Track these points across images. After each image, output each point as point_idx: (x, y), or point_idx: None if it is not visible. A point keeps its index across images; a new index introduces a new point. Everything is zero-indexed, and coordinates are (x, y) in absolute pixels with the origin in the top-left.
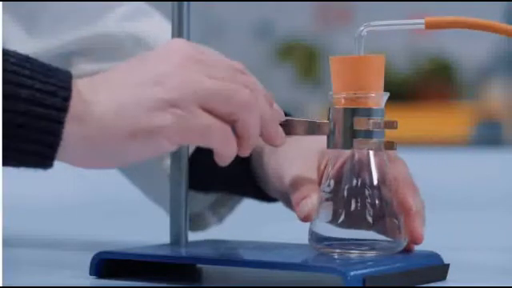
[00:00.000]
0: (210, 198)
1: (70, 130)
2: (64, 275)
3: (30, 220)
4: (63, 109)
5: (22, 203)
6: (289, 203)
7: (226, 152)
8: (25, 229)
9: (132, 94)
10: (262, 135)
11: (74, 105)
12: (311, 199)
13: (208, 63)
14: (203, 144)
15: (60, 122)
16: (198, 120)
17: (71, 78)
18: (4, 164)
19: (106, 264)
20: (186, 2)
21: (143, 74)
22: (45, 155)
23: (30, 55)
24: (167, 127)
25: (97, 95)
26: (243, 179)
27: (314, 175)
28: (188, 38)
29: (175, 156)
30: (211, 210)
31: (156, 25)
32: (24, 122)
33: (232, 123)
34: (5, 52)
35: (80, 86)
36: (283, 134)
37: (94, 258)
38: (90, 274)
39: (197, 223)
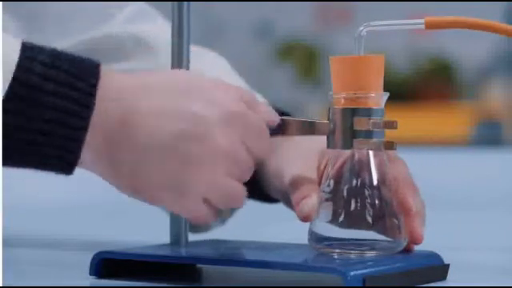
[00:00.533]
0: None
1: (97, 160)
2: (64, 275)
3: (30, 220)
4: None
5: (22, 203)
6: (289, 203)
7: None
8: (25, 229)
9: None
10: None
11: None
12: (311, 199)
13: (244, 134)
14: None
15: (79, 140)
16: (193, 211)
17: (96, 88)
18: (25, 166)
19: (106, 264)
20: (185, 2)
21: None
22: (66, 160)
23: None
24: (164, 202)
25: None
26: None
27: (313, 175)
28: (188, 38)
29: None
30: None
31: (156, 25)
32: (49, 129)
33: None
34: (35, 50)
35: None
36: None
37: (93, 258)
38: (90, 274)
39: (198, 225)
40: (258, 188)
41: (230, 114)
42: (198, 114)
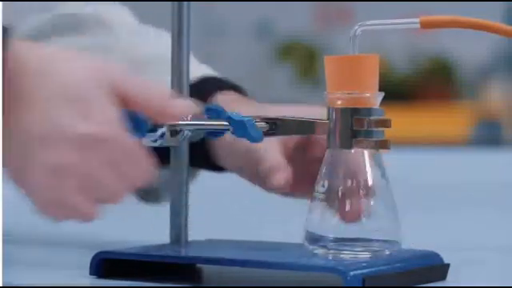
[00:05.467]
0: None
1: None
2: (64, 275)
3: (30, 220)
4: None
5: (23, 203)
6: (250, 175)
7: None
8: (25, 228)
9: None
10: None
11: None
12: (284, 172)
13: (111, 159)
14: None
15: None
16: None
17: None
18: None
19: (106, 264)
20: (185, 2)
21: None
22: None
23: None
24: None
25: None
26: (197, 153)
27: (278, 149)
28: (188, 39)
29: (175, 155)
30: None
31: (121, 9)
32: None
33: None
34: None
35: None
36: None
37: (93, 258)
38: (90, 274)
39: (149, 196)
40: (208, 158)
41: (93, 137)
42: (64, 127)
